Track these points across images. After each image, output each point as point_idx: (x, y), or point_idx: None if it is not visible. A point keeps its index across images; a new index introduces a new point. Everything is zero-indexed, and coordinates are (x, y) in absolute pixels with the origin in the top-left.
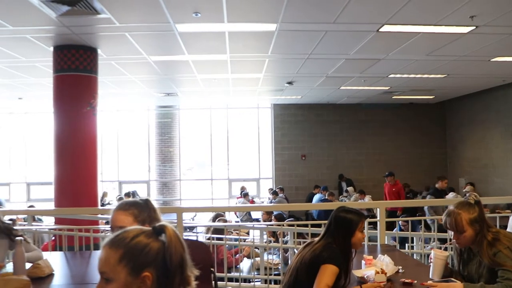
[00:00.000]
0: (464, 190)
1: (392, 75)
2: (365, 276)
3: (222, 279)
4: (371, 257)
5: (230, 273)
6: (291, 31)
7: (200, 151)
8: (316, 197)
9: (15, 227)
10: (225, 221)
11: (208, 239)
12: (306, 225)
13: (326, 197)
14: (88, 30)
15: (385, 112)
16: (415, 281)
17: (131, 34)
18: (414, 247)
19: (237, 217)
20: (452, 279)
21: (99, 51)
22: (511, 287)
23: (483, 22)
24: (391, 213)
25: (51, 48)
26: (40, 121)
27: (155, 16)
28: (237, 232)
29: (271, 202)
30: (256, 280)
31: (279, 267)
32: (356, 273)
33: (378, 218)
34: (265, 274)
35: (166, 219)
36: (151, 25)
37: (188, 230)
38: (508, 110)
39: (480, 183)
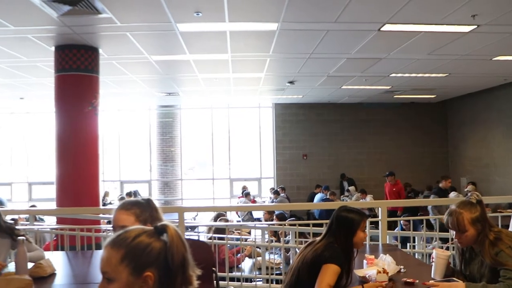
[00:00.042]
0: (465, 190)
1: (393, 75)
2: (366, 276)
3: (223, 279)
4: (372, 256)
5: (231, 272)
6: (292, 31)
7: (202, 150)
8: (318, 197)
9: (17, 227)
10: (227, 220)
11: (210, 238)
12: (307, 225)
13: (328, 197)
14: (89, 30)
15: (387, 112)
16: (417, 281)
17: (132, 33)
18: (416, 246)
19: (239, 216)
20: (454, 278)
21: (100, 50)
22: None
23: (484, 21)
24: (392, 213)
25: (53, 48)
26: (41, 121)
27: (156, 15)
28: (239, 231)
29: (272, 202)
30: (257, 279)
31: (281, 267)
32: (358, 272)
33: (379, 218)
34: (267, 274)
35: (168, 219)
36: (152, 24)
37: (189, 229)
38: (509, 109)
39: (482, 182)
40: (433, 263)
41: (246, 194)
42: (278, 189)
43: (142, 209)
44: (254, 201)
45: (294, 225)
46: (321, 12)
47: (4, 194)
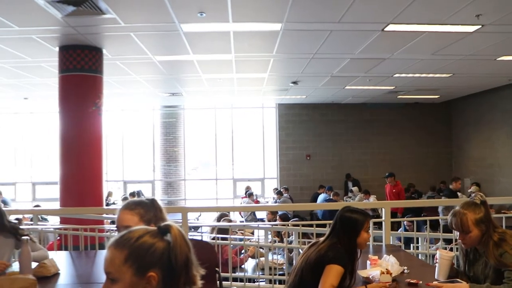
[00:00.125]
0: (469, 190)
1: (397, 75)
2: (370, 276)
3: (226, 279)
4: (376, 257)
5: (234, 273)
6: (296, 31)
7: (205, 151)
8: (321, 197)
9: (21, 227)
10: (230, 221)
11: (213, 239)
12: (311, 225)
13: (331, 197)
14: (93, 30)
15: (390, 112)
16: (421, 282)
17: (136, 34)
18: (419, 247)
19: (242, 217)
20: (458, 279)
21: (104, 51)
22: None
23: (489, 21)
24: (392, 214)
25: (57, 48)
26: (45, 121)
27: (160, 16)
28: (242, 232)
29: (275, 202)
30: (261, 280)
31: (284, 267)
32: (361, 273)
33: (383, 218)
34: (270, 274)
35: (171, 219)
36: (156, 25)
37: (192, 230)
38: None
39: (486, 183)
40: (436, 264)
41: (249, 194)
42: (282, 190)
43: (146, 209)
44: (257, 202)
45: (297, 225)
46: (325, 12)
47: (8, 194)
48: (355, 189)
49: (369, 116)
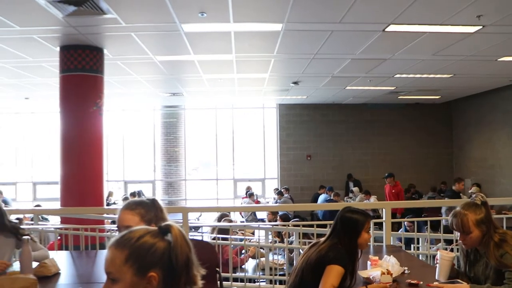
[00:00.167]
0: (470, 191)
1: (398, 75)
2: (370, 277)
3: (227, 279)
4: (376, 257)
5: (235, 273)
6: (297, 31)
7: (206, 151)
8: (321, 198)
9: (21, 226)
10: (230, 221)
11: (213, 239)
12: (311, 226)
13: (332, 198)
14: (94, 30)
15: (391, 112)
16: (421, 282)
17: (137, 34)
18: (420, 248)
19: (242, 217)
20: (458, 280)
21: (105, 51)
22: None
23: (490, 22)
24: (392, 215)
25: (58, 48)
26: (46, 121)
27: (161, 16)
28: (242, 232)
29: (276, 202)
30: (261, 280)
31: (284, 268)
32: (362, 273)
33: (383, 219)
34: (270, 275)
35: (172, 219)
36: (157, 25)
37: (193, 230)
38: None
39: (487, 183)
40: (437, 265)
41: (250, 194)
42: (282, 190)
43: (147, 209)
44: (257, 202)
45: (298, 225)
46: (326, 13)
47: (9, 194)
48: (355, 189)
49: (369, 116)
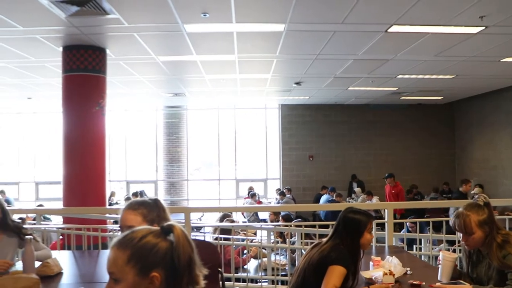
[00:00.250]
0: (472, 192)
1: (400, 76)
2: (373, 277)
3: (229, 280)
4: (379, 258)
5: (237, 273)
6: (299, 32)
7: (208, 151)
8: (324, 198)
9: (24, 226)
10: (232, 221)
11: (216, 239)
12: (313, 226)
13: (334, 198)
14: (97, 31)
15: (393, 113)
16: (423, 283)
17: (140, 34)
18: (422, 248)
19: (245, 217)
20: (461, 281)
21: (107, 51)
22: None
23: (492, 22)
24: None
25: (60, 48)
26: (49, 121)
27: (163, 16)
28: (244, 232)
29: (278, 203)
30: (263, 280)
31: (286, 268)
32: (364, 274)
33: (386, 220)
34: (272, 275)
35: (174, 219)
36: (160, 25)
37: (195, 230)
38: None
39: (489, 184)
40: (439, 266)
41: (252, 195)
42: (284, 190)
43: (149, 209)
44: (260, 202)
45: (300, 226)
46: (328, 13)
47: (11, 194)
48: (357, 190)
49: (372, 117)
